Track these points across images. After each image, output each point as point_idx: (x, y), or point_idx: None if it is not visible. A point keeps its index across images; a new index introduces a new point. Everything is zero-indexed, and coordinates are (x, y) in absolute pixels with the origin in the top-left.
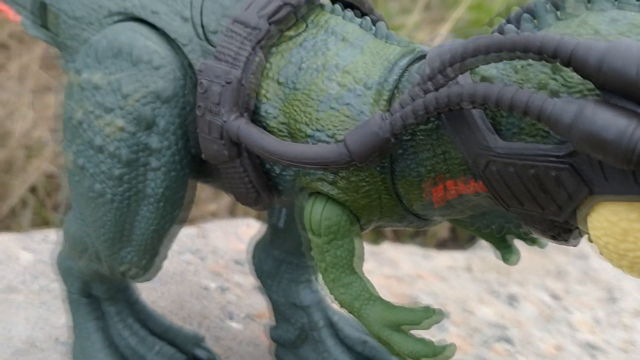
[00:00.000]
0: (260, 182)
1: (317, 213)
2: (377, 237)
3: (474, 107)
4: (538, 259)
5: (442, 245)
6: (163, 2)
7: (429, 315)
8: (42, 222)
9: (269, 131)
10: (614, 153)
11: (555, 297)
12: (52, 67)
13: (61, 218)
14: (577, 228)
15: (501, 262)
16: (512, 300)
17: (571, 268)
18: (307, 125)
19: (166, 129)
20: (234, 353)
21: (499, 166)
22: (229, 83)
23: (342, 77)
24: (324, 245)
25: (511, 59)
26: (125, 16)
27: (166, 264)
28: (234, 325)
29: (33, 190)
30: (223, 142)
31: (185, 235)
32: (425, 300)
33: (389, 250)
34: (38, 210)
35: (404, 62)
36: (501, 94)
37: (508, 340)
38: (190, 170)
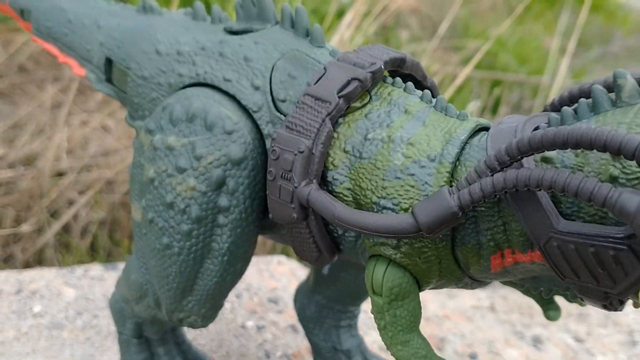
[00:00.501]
0: (323, 243)
1: (379, 275)
2: None
3: (539, 190)
4: (559, 300)
5: None
6: (234, 70)
7: None
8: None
9: (334, 196)
10: None
11: (578, 339)
12: (81, 95)
13: (126, 258)
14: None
15: (523, 302)
16: (536, 342)
17: (592, 311)
18: (373, 192)
19: (235, 189)
20: None
21: (560, 243)
22: (301, 152)
23: (407, 149)
24: (384, 305)
25: (575, 149)
26: (197, 81)
27: None
28: None
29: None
30: (293, 205)
31: None
32: (454, 341)
33: None
34: (75, 245)
35: (464, 135)
36: (568, 182)
37: None
38: (254, 227)
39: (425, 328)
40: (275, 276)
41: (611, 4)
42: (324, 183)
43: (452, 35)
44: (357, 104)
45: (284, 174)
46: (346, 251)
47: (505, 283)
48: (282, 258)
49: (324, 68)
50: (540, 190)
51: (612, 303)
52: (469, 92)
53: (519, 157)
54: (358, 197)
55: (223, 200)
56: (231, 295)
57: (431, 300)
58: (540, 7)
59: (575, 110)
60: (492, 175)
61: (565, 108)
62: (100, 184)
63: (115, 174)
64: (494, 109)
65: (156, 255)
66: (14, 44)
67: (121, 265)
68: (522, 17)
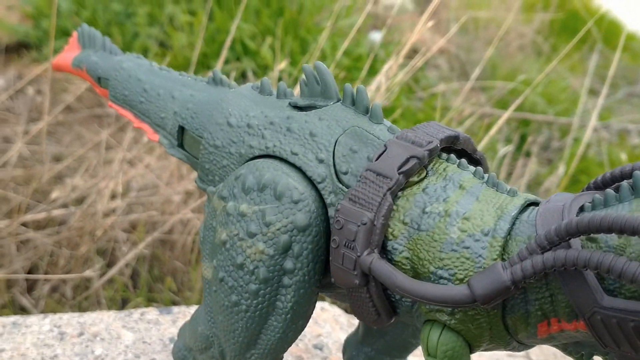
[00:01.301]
0: (382, 306)
1: (434, 338)
2: None
3: (586, 269)
4: None
5: None
6: (301, 144)
7: None
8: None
9: (393, 264)
10: None
11: None
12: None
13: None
14: None
15: (557, 350)
16: None
17: None
18: (430, 263)
19: (299, 253)
20: None
21: (603, 317)
22: (364, 224)
23: (462, 223)
24: None
25: (619, 234)
26: (266, 153)
27: None
28: None
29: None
30: (356, 273)
31: None
32: None
33: None
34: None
35: (514, 211)
36: (612, 264)
37: None
38: (315, 288)
39: None
40: (319, 322)
41: (637, 43)
42: (384, 252)
43: (480, 76)
44: (415, 179)
45: (347, 243)
46: (402, 314)
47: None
48: (326, 304)
49: (385, 145)
50: (586, 269)
51: None
52: (497, 131)
53: (568, 238)
54: (416, 266)
55: (288, 264)
56: None
57: None
58: (567, 47)
59: (617, 192)
60: (543, 253)
61: (608, 190)
62: (144, 222)
63: (158, 211)
64: (520, 148)
65: (225, 311)
66: (59, 83)
67: (175, 310)
68: (549, 57)
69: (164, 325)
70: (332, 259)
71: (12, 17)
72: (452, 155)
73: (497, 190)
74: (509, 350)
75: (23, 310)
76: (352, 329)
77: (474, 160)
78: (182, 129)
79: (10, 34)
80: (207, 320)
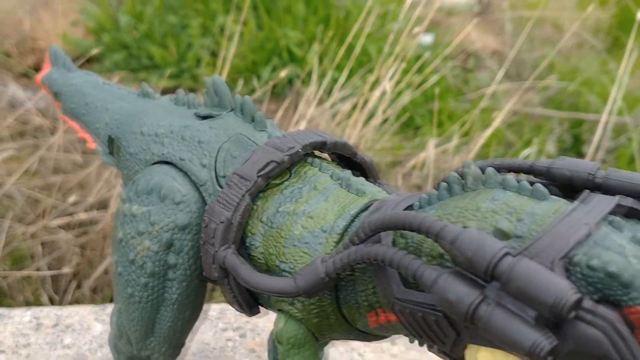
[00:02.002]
0: (242, 297)
1: (281, 326)
2: None
3: (377, 264)
4: None
5: None
6: (189, 150)
7: None
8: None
9: (252, 259)
10: (456, 311)
11: None
12: None
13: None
14: None
15: None
16: None
17: None
18: (277, 257)
19: (180, 249)
20: None
21: (400, 307)
22: (221, 222)
23: (306, 221)
24: (284, 352)
25: (412, 231)
26: (162, 159)
27: (210, 339)
28: None
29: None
30: (214, 266)
31: (232, 313)
32: None
33: None
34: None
35: (355, 209)
36: (392, 258)
37: None
38: (200, 281)
39: None
40: (272, 319)
41: None
42: (244, 248)
43: (533, 75)
44: (277, 181)
45: (209, 240)
46: (264, 304)
47: None
48: None
49: (253, 151)
50: (384, 264)
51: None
52: (547, 132)
53: (371, 234)
54: (267, 261)
55: (171, 259)
56: (235, 334)
57: None
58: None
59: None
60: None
61: (431, 191)
62: None
63: None
64: (575, 149)
65: (125, 303)
66: None
67: None
68: (604, 56)
69: None
70: (202, 253)
71: (77, 33)
72: (317, 159)
73: (348, 191)
74: (358, 340)
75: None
76: None
77: (356, 164)
78: (112, 139)
79: (75, 48)
80: (117, 310)
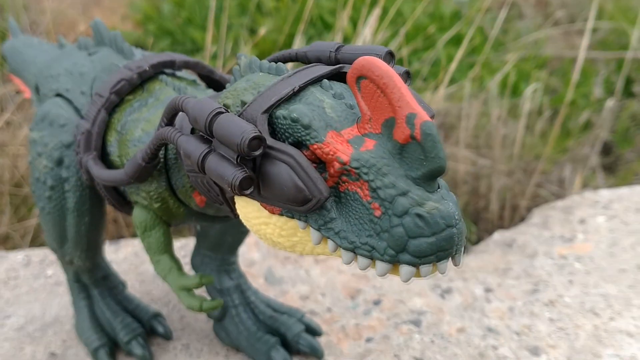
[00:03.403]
0: (112, 197)
1: (135, 214)
2: None
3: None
4: (491, 259)
5: None
6: (73, 82)
7: (200, 282)
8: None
9: (112, 162)
10: (193, 163)
11: (487, 290)
12: None
13: None
14: None
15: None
16: (445, 293)
17: (516, 266)
18: (125, 157)
19: (69, 164)
20: (190, 327)
21: (192, 178)
22: (83, 133)
23: (145, 124)
24: (140, 236)
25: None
26: (56, 93)
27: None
28: None
29: None
30: (83, 170)
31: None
32: (368, 292)
33: None
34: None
35: None
36: (168, 136)
37: (416, 324)
38: (90, 190)
39: (354, 284)
40: (257, 247)
41: None
42: (107, 155)
43: (576, 18)
44: (131, 97)
45: (77, 149)
46: (130, 200)
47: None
48: None
49: (112, 73)
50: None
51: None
52: (594, 74)
53: (165, 119)
54: (121, 162)
55: (64, 173)
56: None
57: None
58: None
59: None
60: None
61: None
62: None
63: None
64: (626, 90)
65: (40, 217)
66: None
67: (122, 242)
68: None
69: (107, 253)
70: (77, 162)
71: (127, 26)
72: (169, 78)
73: None
74: (210, 222)
75: None
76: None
77: (216, 81)
78: (37, 86)
79: (126, 41)
80: (42, 225)
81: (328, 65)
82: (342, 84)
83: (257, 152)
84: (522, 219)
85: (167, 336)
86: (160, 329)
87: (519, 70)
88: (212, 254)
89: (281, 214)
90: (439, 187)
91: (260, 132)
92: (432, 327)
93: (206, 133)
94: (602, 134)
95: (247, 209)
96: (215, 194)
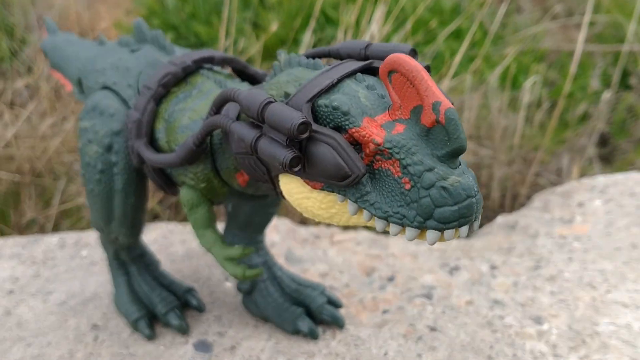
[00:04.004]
0: (159, 179)
1: (182, 193)
2: None
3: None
4: (496, 239)
5: None
6: (120, 76)
7: (243, 253)
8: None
9: (160, 147)
10: (246, 145)
11: (492, 267)
12: None
13: None
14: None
15: (467, 241)
16: (453, 270)
17: (519, 245)
18: (173, 142)
19: (118, 150)
20: (220, 300)
21: (240, 159)
22: (134, 122)
23: (191, 114)
24: (187, 212)
25: (230, 100)
26: (103, 85)
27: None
28: (228, 284)
29: None
30: (134, 154)
31: None
32: (382, 270)
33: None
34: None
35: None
36: (220, 122)
37: (428, 297)
38: (137, 174)
39: (368, 263)
40: (277, 230)
41: None
42: (155, 140)
43: (574, 11)
44: (176, 89)
45: (129, 136)
46: (176, 182)
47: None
48: (285, 220)
49: (158, 68)
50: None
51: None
52: (591, 67)
53: (214, 108)
54: (170, 147)
55: (113, 158)
56: None
57: (395, 243)
58: None
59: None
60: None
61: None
62: None
63: None
64: (623, 82)
65: (89, 198)
66: None
67: (151, 225)
68: None
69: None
70: (128, 147)
71: (131, 20)
72: (210, 72)
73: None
74: (249, 200)
75: None
76: (313, 240)
77: (250, 75)
78: (80, 79)
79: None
80: (89, 206)
81: (359, 60)
82: (372, 77)
83: (304, 135)
84: (522, 206)
85: (200, 309)
86: (194, 302)
87: (519, 63)
88: (241, 234)
89: (322, 189)
90: (460, 164)
91: (306, 118)
92: (442, 300)
93: (257, 120)
94: (599, 125)
95: (291, 185)
96: (261, 172)
